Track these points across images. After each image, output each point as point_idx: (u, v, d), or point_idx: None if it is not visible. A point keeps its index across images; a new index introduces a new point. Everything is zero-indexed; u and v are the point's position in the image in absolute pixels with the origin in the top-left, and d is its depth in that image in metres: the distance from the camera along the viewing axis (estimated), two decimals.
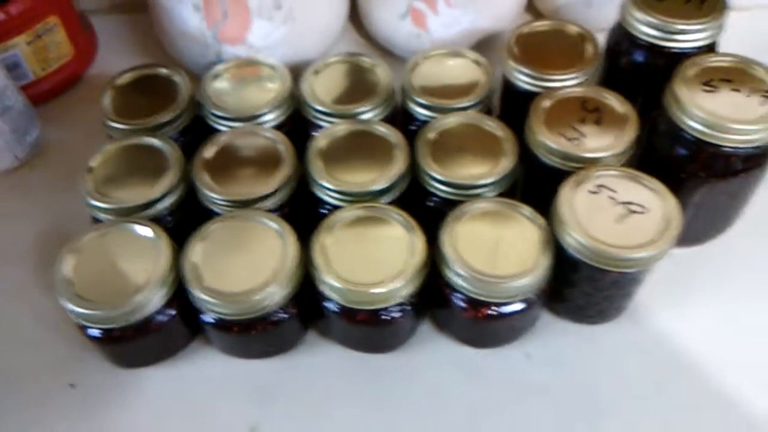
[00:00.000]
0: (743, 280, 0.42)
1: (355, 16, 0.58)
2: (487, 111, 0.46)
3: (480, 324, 0.38)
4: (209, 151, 0.41)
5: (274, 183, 0.39)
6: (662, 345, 0.40)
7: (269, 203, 0.40)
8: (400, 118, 0.47)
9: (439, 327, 0.41)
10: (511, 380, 0.39)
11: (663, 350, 0.40)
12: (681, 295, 0.42)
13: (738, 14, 0.60)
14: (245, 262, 0.36)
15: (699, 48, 0.42)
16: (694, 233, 0.43)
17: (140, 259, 0.37)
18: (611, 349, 0.40)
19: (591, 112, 0.40)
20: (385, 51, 0.57)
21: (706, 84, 0.38)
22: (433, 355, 0.40)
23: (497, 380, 0.39)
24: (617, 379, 0.39)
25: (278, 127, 0.45)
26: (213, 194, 0.39)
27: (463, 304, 0.37)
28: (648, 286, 0.40)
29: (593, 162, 0.38)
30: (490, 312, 0.37)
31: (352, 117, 0.44)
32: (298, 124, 0.46)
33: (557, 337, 0.41)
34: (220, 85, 0.46)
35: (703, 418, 0.37)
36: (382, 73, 0.46)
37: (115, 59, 0.59)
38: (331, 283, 0.35)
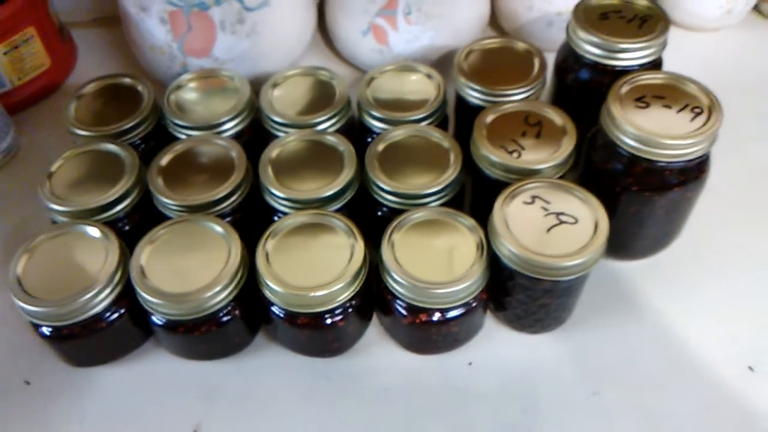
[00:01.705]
0: (683, 294, 0.43)
1: (325, 31, 0.60)
2: (441, 124, 0.47)
3: (420, 330, 0.39)
4: (165, 158, 0.43)
5: (225, 189, 0.41)
6: (600, 355, 0.41)
7: (221, 208, 0.41)
8: (357, 130, 0.49)
9: (385, 333, 0.42)
10: (452, 387, 0.40)
11: (601, 360, 0.41)
12: (622, 307, 0.43)
13: (692, 34, 0.62)
14: (191, 264, 0.38)
15: (642, 65, 0.44)
16: (636, 247, 0.44)
17: (90, 259, 0.38)
18: (551, 358, 0.41)
19: (532, 126, 0.42)
20: (351, 65, 0.59)
21: (638, 101, 0.39)
22: (378, 361, 0.41)
23: (438, 387, 0.40)
24: (555, 387, 0.40)
25: (238, 137, 0.46)
26: (166, 199, 0.41)
27: (403, 311, 0.38)
28: (589, 298, 0.41)
29: (532, 174, 0.40)
30: (428, 318, 0.38)
31: (308, 127, 0.45)
32: (257, 134, 0.48)
33: (500, 346, 0.41)
34: (183, 96, 0.48)
35: (639, 427, 0.38)
36: (339, 86, 0.48)
37: (94, 70, 0.61)
38: (272, 286, 0.37)
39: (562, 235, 0.36)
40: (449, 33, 0.54)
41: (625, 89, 0.40)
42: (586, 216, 0.37)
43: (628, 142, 0.38)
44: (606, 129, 0.39)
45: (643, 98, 0.39)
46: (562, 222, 0.37)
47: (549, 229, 0.36)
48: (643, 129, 0.37)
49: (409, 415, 0.39)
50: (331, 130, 0.46)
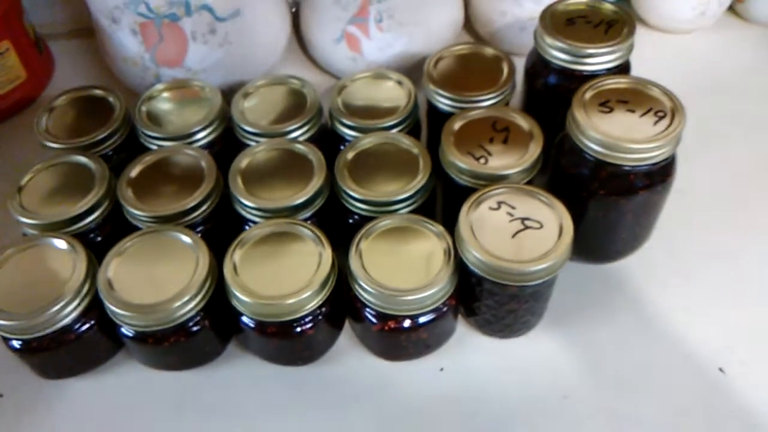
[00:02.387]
0: (654, 296, 0.43)
1: (301, 38, 0.60)
2: (412, 130, 0.47)
3: (390, 336, 0.39)
4: (135, 170, 0.43)
5: (194, 200, 0.41)
6: (570, 359, 0.41)
7: (191, 219, 0.41)
8: (329, 138, 0.49)
9: (357, 340, 0.42)
10: (423, 393, 0.40)
11: (571, 364, 0.41)
12: (592, 312, 0.43)
13: (668, 36, 0.62)
14: (158, 275, 0.38)
15: (609, 69, 0.44)
16: (606, 251, 0.44)
17: (58, 271, 0.38)
18: (521, 362, 0.41)
19: (500, 132, 0.42)
20: (327, 73, 0.59)
21: (602, 105, 0.39)
22: (349, 368, 0.41)
23: (409, 393, 0.40)
24: (526, 392, 0.40)
25: (209, 146, 0.47)
26: (136, 210, 0.41)
27: (372, 318, 0.38)
28: (560, 302, 0.42)
29: (500, 179, 0.40)
30: (398, 325, 0.38)
31: (280, 136, 0.46)
32: (230, 144, 0.48)
33: (471, 351, 0.42)
34: (154, 106, 0.48)
35: (609, 431, 0.38)
36: (310, 93, 0.48)
37: (71, 82, 0.60)
38: (239, 296, 0.37)
39: (528, 240, 0.36)
40: (422, 40, 0.54)
41: (589, 95, 0.40)
42: (551, 220, 0.37)
43: (593, 147, 0.38)
44: (571, 134, 0.39)
45: (607, 103, 0.39)
46: (527, 227, 0.37)
47: (514, 235, 0.36)
48: (608, 134, 0.38)
49: (380, 421, 0.39)
50: (302, 138, 0.46)
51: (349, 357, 0.42)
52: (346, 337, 0.43)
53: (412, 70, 0.55)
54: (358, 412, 0.39)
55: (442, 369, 0.41)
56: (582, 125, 0.38)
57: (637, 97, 0.40)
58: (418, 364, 0.41)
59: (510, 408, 0.39)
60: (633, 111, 0.39)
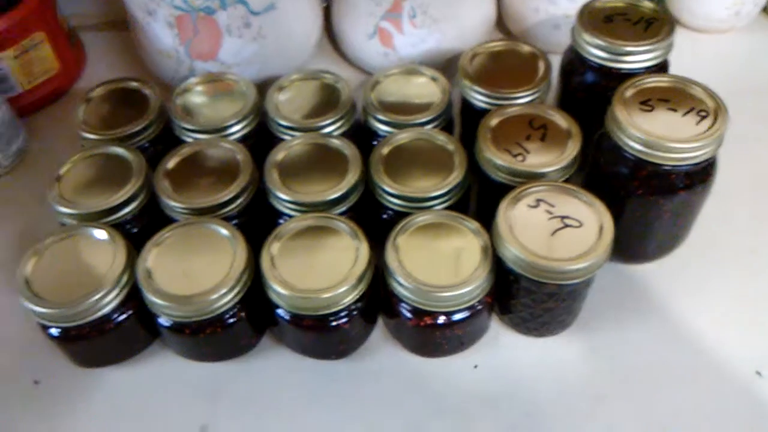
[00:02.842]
0: (690, 298, 0.43)
1: (332, 33, 0.60)
2: (446, 127, 0.47)
3: (425, 332, 0.39)
4: (171, 161, 0.43)
5: (230, 192, 0.41)
6: (606, 359, 0.41)
7: (227, 211, 0.41)
8: (362, 133, 0.49)
9: (390, 335, 0.42)
10: (457, 390, 0.40)
11: (606, 364, 0.40)
12: (628, 312, 0.43)
13: (701, 36, 0.62)
14: (196, 266, 0.38)
15: (648, 68, 0.44)
16: (643, 251, 0.44)
17: (97, 261, 0.38)
18: (556, 361, 0.41)
19: (537, 130, 0.42)
20: (357, 68, 0.59)
21: (644, 104, 0.39)
22: (383, 363, 0.41)
23: (443, 389, 0.40)
24: (559, 390, 0.39)
25: (243, 140, 0.47)
26: (172, 202, 0.41)
27: (408, 314, 0.38)
28: (595, 301, 0.41)
29: (537, 177, 0.40)
30: (434, 321, 0.38)
31: (314, 131, 0.46)
32: (263, 137, 0.48)
33: (505, 350, 0.41)
34: (189, 99, 0.48)
35: None
36: (344, 89, 0.48)
37: (103, 74, 0.61)
38: (277, 289, 0.37)
39: (567, 238, 0.36)
40: (455, 36, 0.54)
41: (630, 92, 0.39)
42: (590, 219, 0.37)
43: (634, 146, 0.38)
44: (611, 133, 0.39)
45: (648, 101, 0.39)
46: (566, 225, 0.36)
47: (553, 233, 0.36)
48: (649, 132, 0.37)
49: (414, 417, 0.39)
50: (336, 133, 0.46)
51: (383, 352, 0.42)
52: (379, 333, 0.43)
53: (444, 66, 0.55)
54: (392, 407, 0.39)
55: (476, 366, 0.41)
56: (623, 123, 0.38)
57: (679, 96, 0.39)
58: (452, 360, 0.41)
59: (543, 407, 0.39)
60: (675, 110, 0.39)
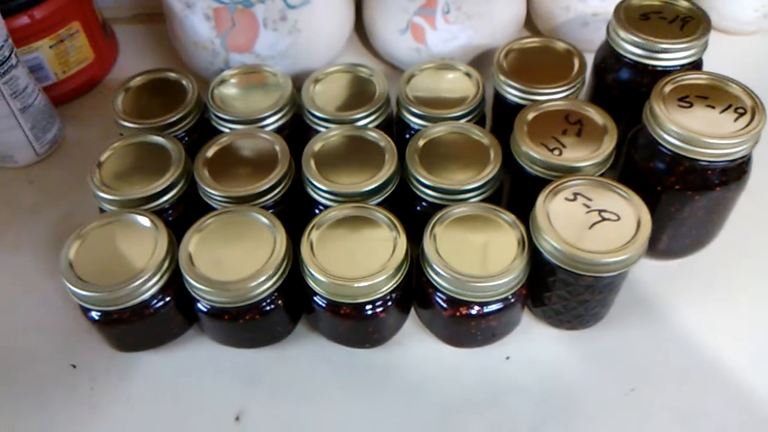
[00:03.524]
0: (723, 293, 0.43)
1: (362, 29, 0.61)
2: (479, 122, 0.48)
3: (459, 322, 0.39)
4: (210, 150, 0.44)
5: (269, 182, 0.42)
6: (638, 353, 0.41)
7: (264, 200, 0.42)
8: (396, 126, 0.50)
9: (424, 325, 0.43)
10: (489, 381, 0.40)
11: (638, 358, 0.41)
12: (660, 306, 0.43)
13: (728, 37, 0.62)
14: (237, 253, 0.39)
15: (683, 66, 0.44)
16: (675, 246, 0.44)
17: (139, 247, 0.39)
18: (588, 354, 0.41)
19: (573, 125, 0.42)
20: (387, 63, 0.59)
21: (682, 100, 0.39)
22: (416, 353, 0.42)
23: (476, 380, 0.40)
24: (591, 382, 0.40)
25: (279, 131, 0.47)
26: (212, 190, 0.42)
27: (443, 303, 0.39)
28: (628, 295, 0.42)
29: (573, 171, 0.40)
30: (468, 311, 0.38)
31: (348, 123, 0.46)
32: (298, 129, 0.49)
33: (537, 341, 0.42)
34: (225, 90, 0.49)
35: (675, 425, 0.38)
36: (379, 82, 0.48)
37: (134, 65, 0.62)
38: (316, 276, 0.37)
39: (605, 231, 0.36)
40: (487, 33, 0.54)
41: (668, 89, 0.40)
42: (628, 213, 0.37)
43: (672, 141, 0.38)
44: (649, 128, 0.39)
45: (686, 98, 0.39)
46: (604, 219, 0.37)
47: (591, 226, 0.37)
48: (687, 128, 0.38)
49: (446, 407, 0.39)
50: (370, 125, 0.47)
51: (416, 342, 0.42)
52: (411, 323, 0.43)
53: (474, 62, 0.56)
54: (424, 397, 0.40)
55: (508, 358, 0.41)
56: (661, 118, 0.38)
57: (717, 94, 0.40)
58: (484, 351, 0.41)
59: (576, 399, 0.39)
60: (713, 107, 0.39)
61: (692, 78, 0.40)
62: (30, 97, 0.51)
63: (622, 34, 0.44)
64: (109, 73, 0.62)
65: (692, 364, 0.40)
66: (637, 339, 0.42)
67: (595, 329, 0.42)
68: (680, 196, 0.40)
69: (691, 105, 0.39)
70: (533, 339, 0.42)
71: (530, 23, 0.62)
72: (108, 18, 0.64)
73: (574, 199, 0.38)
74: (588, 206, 0.38)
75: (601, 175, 0.41)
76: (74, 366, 0.42)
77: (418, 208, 0.43)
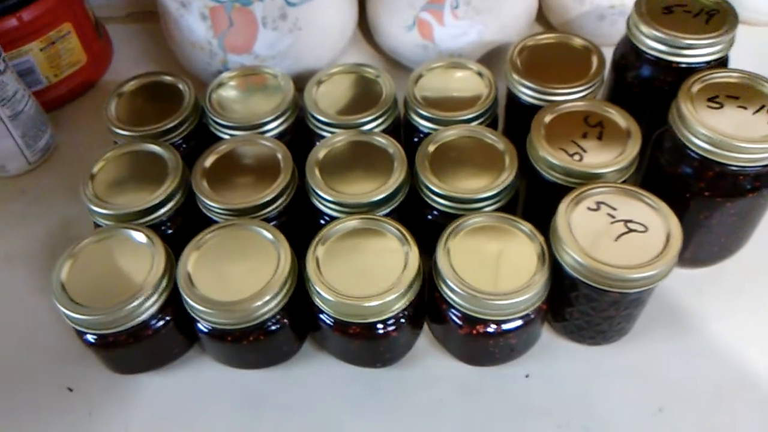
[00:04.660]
0: (753, 302, 0.41)
1: (365, 26, 0.58)
2: (491, 124, 0.45)
3: (476, 341, 0.37)
4: (209, 159, 0.42)
5: (271, 192, 0.39)
6: (666, 369, 0.39)
7: (267, 212, 0.40)
8: (404, 129, 0.47)
9: (437, 343, 0.40)
10: (509, 400, 0.38)
11: (666, 374, 0.38)
12: (688, 317, 0.41)
13: (750, 29, 0.59)
14: (239, 271, 0.36)
15: (708, 63, 0.41)
16: (703, 254, 0.42)
17: (135, 265, 0.37)
18: (612, 371, 0.39)
19: (593, 127, 0.40)
20: (392, 61, 0.57)
21: (711, 100, 0.37)
22: (430, 372, 0.40)
23: (494, 400, 0.38)
24: (616, 401, 0.38)
25: (281, 136, 0.45)
26: (211, 202, 0.39)
27: (458, 321, 0.36)
28: (653, 307, 0.39)
29: (594, 178, 0.38)
30: (486, 329, 0.36)
31: (354, 127, 0.44)
32: (301, 134, 0.47)
33: (558, 358, 0.40)
34: (224, 94, 0.47)
35: None
36: (386, 83, 0.46)
37: (130, 67, 0.60)
38: (323, 295, 0.35)
39: (632, 244, 0.34)
40: (497, 28, 0.51)
41: (696, 88, 0.37)
42: (656, 224, 0.35)
43: (700, 145, 0.36)
44: (676, 130, 0.37)
45: (716, 98, 0.37)
46: (631, 230, 0.35)
47: (617, 238, 0.34)
48: (718, 131, 0.35)
49: (464, 429, 0.37)
50: (377, 130, 0.44)
51: (429, 360, 0.40)
52: (424, 339, 0.41)
53: (484, 59, 0.53)
54: (440, 418, 0.38)
55: (527, 376, 0.39)
56: (689, 120, 0.36)
57: (749, 93, 0.37)
58: (502, 369, 0.39)
59: (601, 420, 0.37)
60: (744, 108, 0.36)
61: (722, 76, 0.38)
62: (20, 103, 0.48)
63: (644, 28, 0.41)
64: (102, 75, 0.59)
65: (724, 379, 0.38)
66: (665, 354, 0.39)
67: (619, 344, 0.40)
68: (710, 202, 0.37)
69: (722, 105, 0.37)
70: (554, 355, 0.40)
71: (541, 17, 0.59)
72: (101, 17, 0.61)
73: (598, 209, 0.36)
74: (613, 216, 0.35)
75: (624, 182, 0.39)
76: (71, 389, 0.40)
77: (429, 217, 0.41)
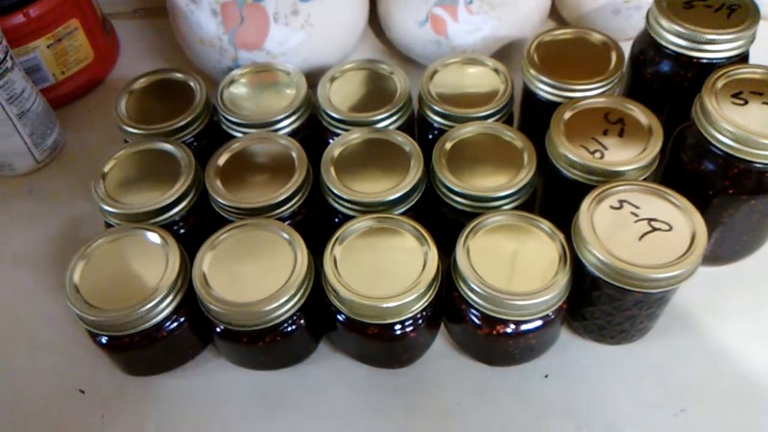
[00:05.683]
0: None
1: (375, 22, 0.57)
2: (507, 120, 0.45)
3: (495, 341, 0.36)
4: (222, 158, 0.41)
5: (286, 191, 0.39)
6: (687, 368, 0.38)
7: (281, 211, 0.39)
8: (418, 126, 0.47)
9: (455, 343, 0.40)
10: (528, 401, 0.38)
11: (688, 374, 0.38)
12: (709, 316, 0.40)
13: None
14: (255, 271, 0.36)
15: (729, 58, 0.41)
16: (724, 252, 0.41)
17: (149, 266, 0.36)
18: (632, 370, 0.38)
19: (614, 124, 0.39)
20: (404, 57, 0.56)
21: (735, 96, 0.36)
22: (448, 372, 0.39)
23: (513, 400, 0.38)
24: (637, 402, 0.37)
25: (294, 134, 0.44)
26: (225, 201, 0.39)
27: (478, 321, 0.36)
28: (673, 304, 0.39)
29: (616, 176, 0.37)
30: (505, 330, 0.35)
31: (368, 125, 0.43)
32: (314, 131, 0.46)
33: (577, 358, 0.39)
34: (235, 91, 0.46)
35: None
36: (400, 80, 0.45)
37: (137, 63, 0.59)
38: (341, 296, 0.35)
39: (656, 243, 0.33)
40: (511, 23, 0.51)
41: (720, 83, 0.37)
42: (681, 223, 0.34)
43: (725, 141, 0.35)
44: (699, 126, 0.36)
45: (740, 94, 0.36)
46: (655, 229, 0.34)
47: (641, 237, 0.34)
48: (742, 127, 0.34)
49: (483, 430, 0.37)
50: (391, 127, 0.44)
51: (447, 360, 0.39)
52: (441, 338, 0.40)
53: (497, 55, 0.52)
54: (459, 419, 0.37)
55: (546, 376, 0.38)
56: (713, 116, 0.35)
57: None
58: (521, 369, 0.39)
59: (622, 421, 0.36)
60: None
61: (747, 72, 0.37)
62: (27, 101, 0.48)
63: (664, 23, 0.41)
64: (110, 72, 0.58)
65: (747, 380, 0.37)
66: (686, 353, 0.39)
67: (640, 343, 0.39)
68: (734, 200, 0.36)
69: (746, 102, 0.36)
70: (573, 355, 0.39)
71: (554, 13, 0.58)
72: (108, 13, 0.61)
73: (621, 207, 0.35)
74: (636, 215, 0.35)
75: (644, 180, 0.38)
76: (82, 391, 0.39)
77: (446, 215, 0.40)
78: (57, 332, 0.42)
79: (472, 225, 0.37)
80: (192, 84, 0.46)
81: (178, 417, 0.38)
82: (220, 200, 0.39)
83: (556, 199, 0.41)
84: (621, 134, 0.38)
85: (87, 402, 0.39)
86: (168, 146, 0.41)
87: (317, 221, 0.41)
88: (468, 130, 0.41)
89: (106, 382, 0.40)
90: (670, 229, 0.34)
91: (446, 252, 0.37)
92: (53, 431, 0.38)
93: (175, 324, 0.36)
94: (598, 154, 0.37)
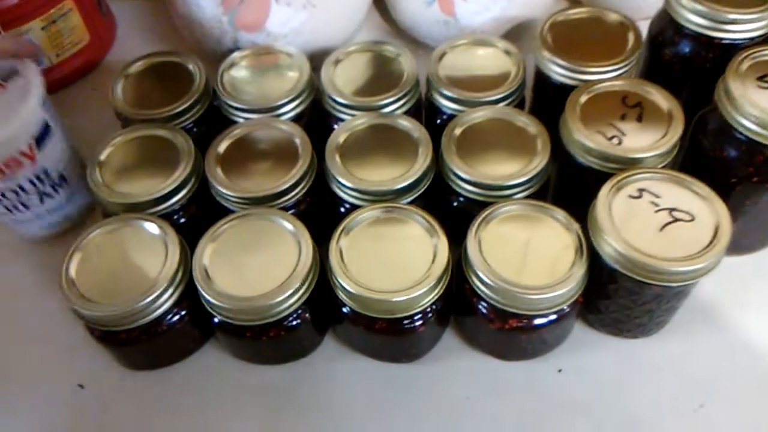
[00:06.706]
0: None
1: (380, 2, 0.55)
2: (519, 105, 0.43)
3: (507, 335, 0.35)
4: (222, 145, 0.39)
5: (290, 179, 0.37)
6: (706, 363, 0.37)
7: (285, 200, 0.38)
8: (426, 110, 0.45)
9: (465, 336, 0.39)
10: (541, 396, 0.37)
11: (707, 368, 0.37)
12: (730, 308, 0.39)
13: None
14: (258, 264, 0.34)
15: (752, 39, 0.39)
16: (746, 242, 0.40)
17: (148, 258, 0.35)
18: (650, 365, 0.37)
19: (632, 108, 0.37)
20: (410, 39, 0.54)
21: (761, 79, 0.34)
22: (458, 367, 0.38)
23: (525, 396, 0.37)
24: (655, 397, 0.36)
25: (296, 119, 0.43)
26: (226, 190, 0.37)
27: (489, 314, 0.34)
28: (694, 297, 0.37)
29: (634, 163, 0.35)
30: (518, 324, 0.34)
31: (374, 109, 0.41)
32: (317, 116, 0.44)
33: (592, 351, 0.38)
34: (236, 74, 0.44)
35: None
36: (407, 63, 0.43)
37: (135, 46, 0.57)
38: (348, 289, 0.33)
39: (678, 234, 0.32)
40: (522, 2, 0.49)
41: (745, 65, 0.35)
42: (704, 213, 0.32)
43: (749, 126, 0.33)
44: (722, 110, 0.34)
45: (765, 77, 0.34)
46: (676, 219, 0.32)
47: (662, 228, 0.32)
48: None
49: (495, 425, 0.35)
50: (398, 111, 0.42)
51: (457, 354, 0.38)
52: (450, 332, 0.39)
53: (507, 36, 0.50)
54: (469, 415, 0.36)
55: (560, 370, 0.37)
56: (738, 100, 0.33)
57: None
58: (533, 364, 0.37)
59: (638, 417, 0.35)
60: None
61: None
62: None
63: (685, 2, 0.39)
64: (106, 55, 0.57)
65: (762, 373, 0.36)
66: (705, 347, 0.37)
67: (658, 336, 0.38)
68: (759, 188, 0.35)
69: None
70: (587, 349, 0.38)
71: None
72: None
73: (640, 196, 0.33)
74: (656, 204, 0.33)
75: (663, 167, 0.37)
76: (81, 386, 0.38)
77: (455, 205, 0.39)
78: (54, 324, 0.41)
79: (483, 215, 0.35)
80: (191, 67, 0.44)
81: (179, 412, 0.37)
82: (221, 189, 0.37)
83: (570, 187, 0.40)
84: (639, 119, 0.37)
85: (87, 397, 0.38)
86: (166, 132, 0.40)
87: (322, 211, 0.39)
88: (478, 115, 0.39)
89: (106, 377, 0.38)
90: (693, 219, 0.32)
91: (456, 243, 0.36)
92: (53, 427, 0.37)
93: (175, 318, 0.35)
94: (615, 140, 0.36)
